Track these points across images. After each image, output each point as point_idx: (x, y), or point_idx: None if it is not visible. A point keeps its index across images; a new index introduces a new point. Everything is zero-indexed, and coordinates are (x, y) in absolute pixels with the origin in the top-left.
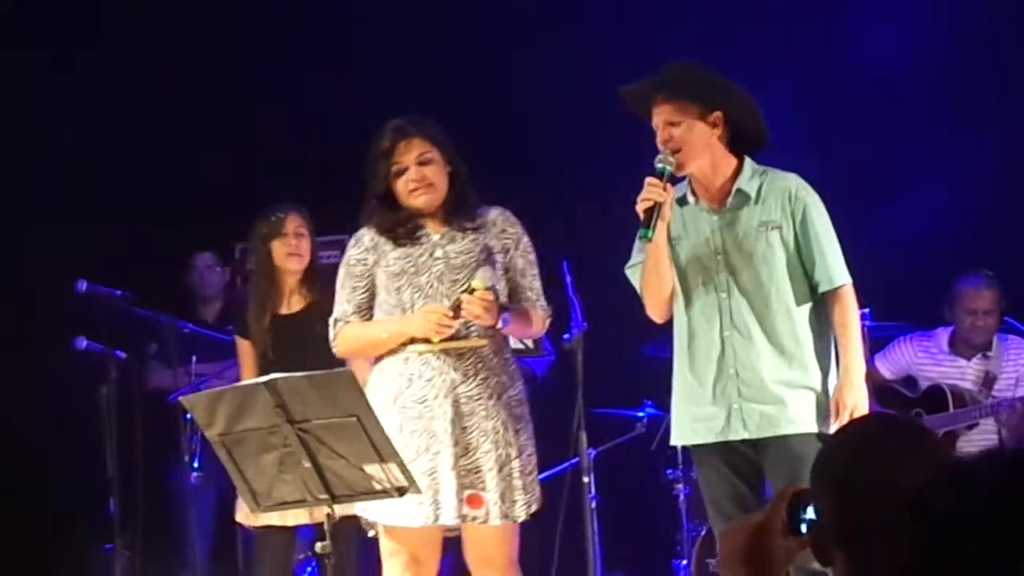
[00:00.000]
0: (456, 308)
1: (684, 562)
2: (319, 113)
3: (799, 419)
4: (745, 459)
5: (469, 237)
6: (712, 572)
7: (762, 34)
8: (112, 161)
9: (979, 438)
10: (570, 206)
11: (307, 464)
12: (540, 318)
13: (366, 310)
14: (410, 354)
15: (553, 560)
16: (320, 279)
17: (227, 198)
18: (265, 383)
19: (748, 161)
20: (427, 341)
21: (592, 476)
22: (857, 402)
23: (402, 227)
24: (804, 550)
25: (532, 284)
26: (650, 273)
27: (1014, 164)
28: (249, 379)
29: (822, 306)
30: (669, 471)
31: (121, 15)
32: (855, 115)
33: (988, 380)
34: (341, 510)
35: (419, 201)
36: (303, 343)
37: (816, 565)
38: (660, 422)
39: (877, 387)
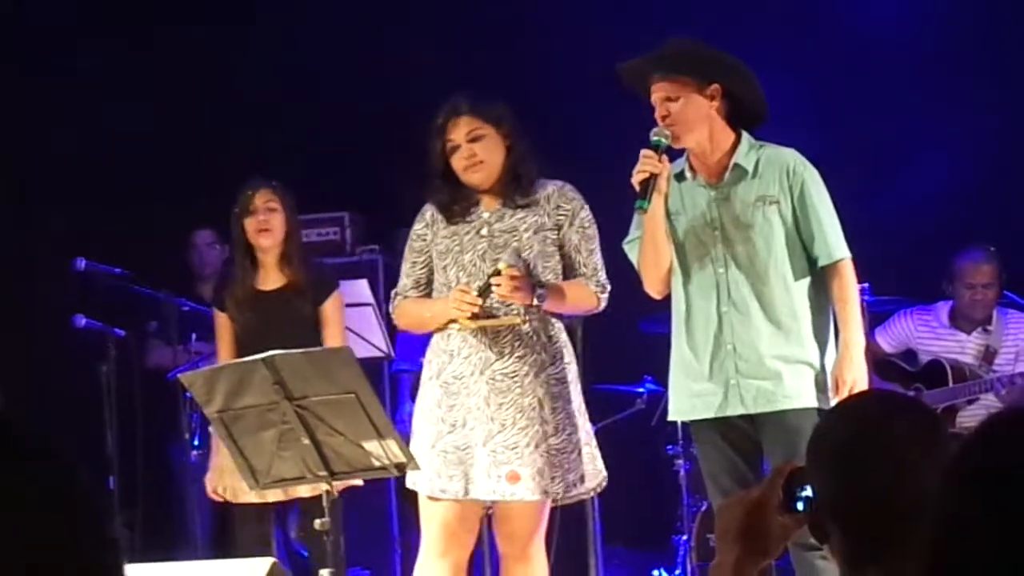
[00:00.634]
0: (486, 288)
1: (684, 537)
2: (321, 94)
3: (796, 394)
4: (743, 434)
5: (518, 215)
6: (712, 547)
7: (763, 7)
8: (112, 138)
9: (979, 413)
10: (569, 182)
11: (306, 441)
12: (590, 293)
13: (424, 285)
14: (452, 331)
15: (554, 535)
16: (300, 256)
17: (228, 175)
18: (263, 360)
19: (746, 136)
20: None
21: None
22: (857, 378)
23: (457, 204)
24: (800, 527)
25: (587, 260)
26: (647, 247)
27: (1016, 138)
28: (225, 353)
29: (821, 281)
30: (669, 447)
31: None
32: (854, 88)
33: (988, 354)
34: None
35: (473, 178)
36: (279, 321)
37: (813, 541)
38: (660, 398)
39: (877, 361)
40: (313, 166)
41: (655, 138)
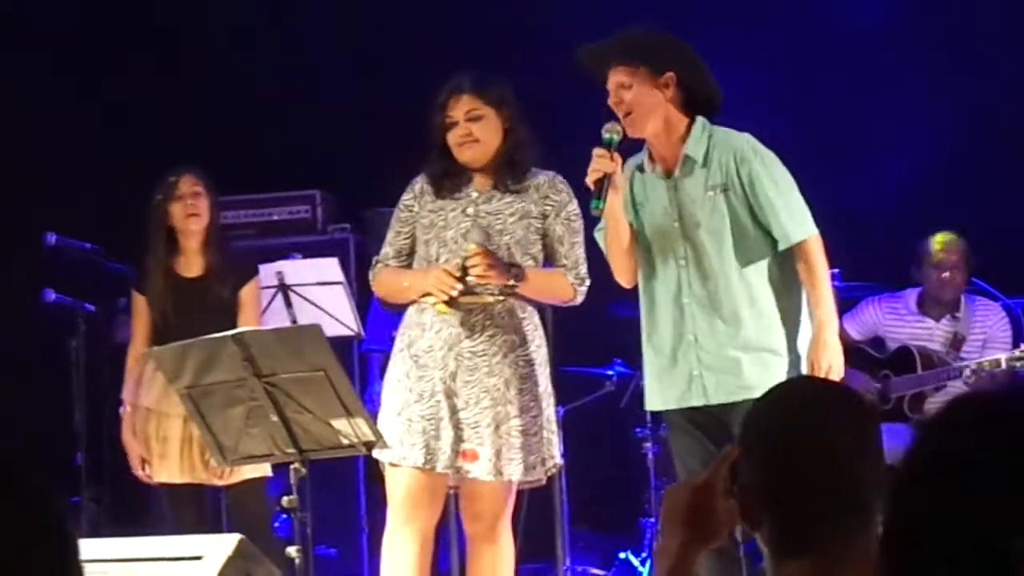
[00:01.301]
0: (462, 272)
1: (652, 520)
2: (297, 72)
3: (756, 384)
4: (712, 417)
5: (506, 199)
6: None
7: None
8: (84, 113)
9: (946, 400)
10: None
11: (274, 418)
12: (567, 285)
13: (407, 255)
14: (426, 305)
15: (521, 516)
16: (220, 241)
17: (201, 151)
18: (233, 336)
19: (698, 123)
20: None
21: (561, 434)
22: (832, 361)
23: (448, 179)
24: None
25: (568, 252)
26: (612, 242)
27: (988, 125)
28: (141, 337)
29: (787, 264)
30: (638, 429)
31: None
32: (825, 74)
33: (956, 341)
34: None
35: (464, 155)
36: (202, 307)
37: None
38: (629, 380)
39: (845, 348)
40: (285, 143)
41: (607, 135)
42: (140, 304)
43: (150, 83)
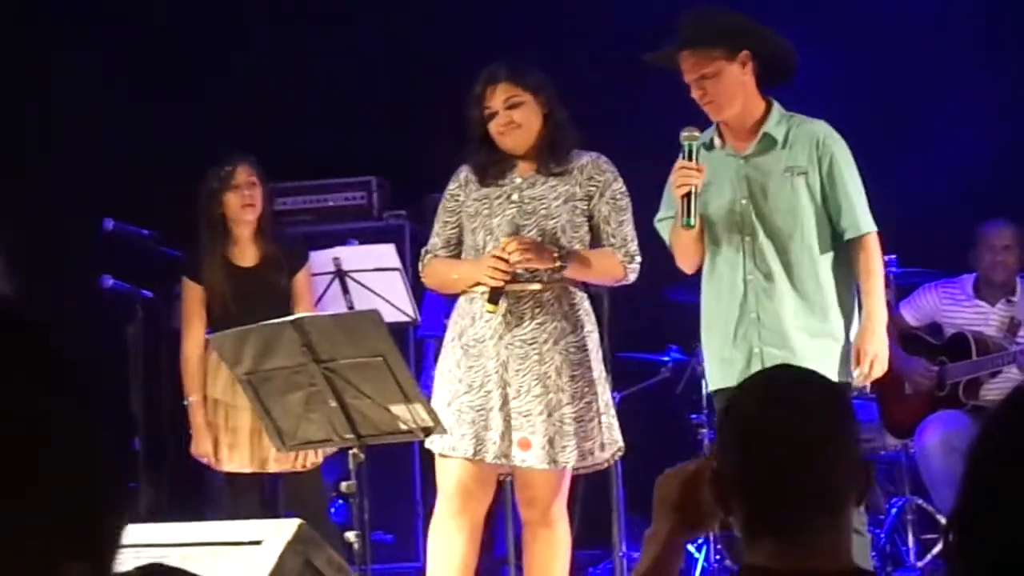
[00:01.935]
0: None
1: None
2: (353, 59)
3: (817, 368)
4: None
5: (550, 183)
6: None
7: None
8: (140, 101)
9: (1003, 385)
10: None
11: (333, 403)
12: (617, 263)
13: (455, 245)
14: (475, 295)
15: (577, 502)
16: (273, 228)
17: (258, 137)
18: (292, 322)
19: (776, 106)
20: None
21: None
22: (878, 351)
23: (492, 167)
24: None
25: (617, 231)
26: (685, 244)
27: None
28: (197, 325)
29: (846, 254)
30: (694, 415)
31: None
32: (884, 60)
33: (1012, 326)
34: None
35: (507, 143)
36: (260, 296)
37: None
38: (685, 367)
39: (902, 334)
40: (341, 130)
41: (687, 143)
42: (194, 292)
43: (206, 70)
